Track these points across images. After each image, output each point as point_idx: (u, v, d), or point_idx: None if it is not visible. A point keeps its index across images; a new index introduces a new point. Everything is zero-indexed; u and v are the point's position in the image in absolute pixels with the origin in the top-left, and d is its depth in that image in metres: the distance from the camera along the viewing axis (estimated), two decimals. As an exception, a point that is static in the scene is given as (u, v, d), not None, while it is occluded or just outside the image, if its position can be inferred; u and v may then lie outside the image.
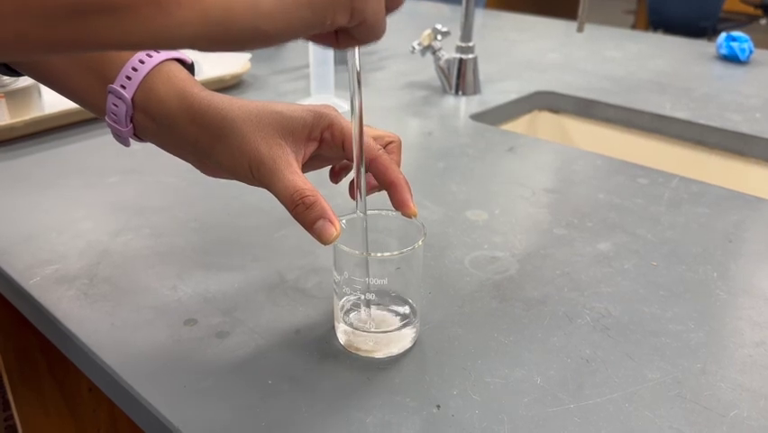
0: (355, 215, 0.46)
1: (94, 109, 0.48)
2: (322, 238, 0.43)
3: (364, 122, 0.43)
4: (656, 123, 0.95)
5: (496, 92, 1.03)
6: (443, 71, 1.01)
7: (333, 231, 0.42)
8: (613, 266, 0.57)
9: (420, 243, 0.45)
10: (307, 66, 0.95)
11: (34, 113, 0.82)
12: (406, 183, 0.47)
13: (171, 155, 0.47)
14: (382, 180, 0.47)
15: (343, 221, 0.46)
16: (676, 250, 0.60)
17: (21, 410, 0.86)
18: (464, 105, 0.97)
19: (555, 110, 1.04)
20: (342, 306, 0.47)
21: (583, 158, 0.80)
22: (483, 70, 1.04)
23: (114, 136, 0.48)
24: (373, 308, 0.47)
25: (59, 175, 0.73)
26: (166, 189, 0.70)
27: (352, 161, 0.49)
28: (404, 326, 0.47)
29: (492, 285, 0.54)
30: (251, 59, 1.06)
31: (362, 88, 0.42)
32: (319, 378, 0.44)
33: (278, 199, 0.44)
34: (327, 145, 0.47)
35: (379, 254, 0.44)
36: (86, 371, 0.49)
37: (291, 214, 0.43)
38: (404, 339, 0.47)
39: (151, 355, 0.46)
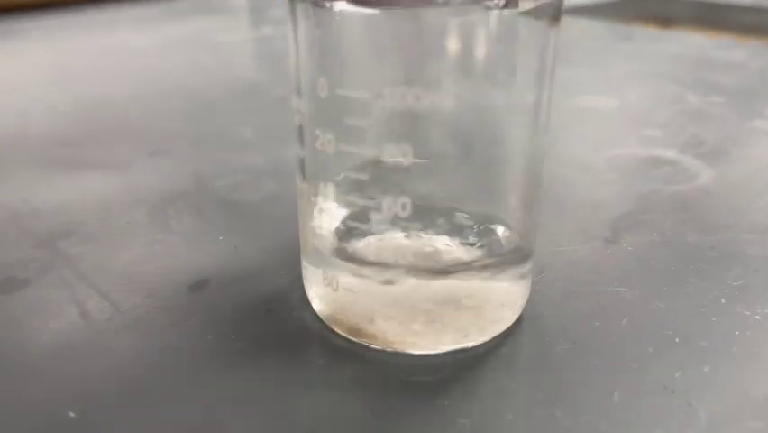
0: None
1: None
2: None
3: None
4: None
5: (578, -6, 0.72)
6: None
7: None
8: None
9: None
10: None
11: None
12: None
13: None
14: None
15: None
16: None
17: None
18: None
19: (665, 20, 0.74)
20: (329, 212, 0.17)
21: (749, 49, 0.49)
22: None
23: None
24: (406, 237, 0.16)
25: None
26: (40, 65, 0.41)
27: None
28: (492, 274, 0.17)
29: (673, 202, 0.24)
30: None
31: None
32: (239, 412, 0.14)
33: None
34: None
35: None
36: None
37: None
38: (495, 308, 0.16)
39: None
